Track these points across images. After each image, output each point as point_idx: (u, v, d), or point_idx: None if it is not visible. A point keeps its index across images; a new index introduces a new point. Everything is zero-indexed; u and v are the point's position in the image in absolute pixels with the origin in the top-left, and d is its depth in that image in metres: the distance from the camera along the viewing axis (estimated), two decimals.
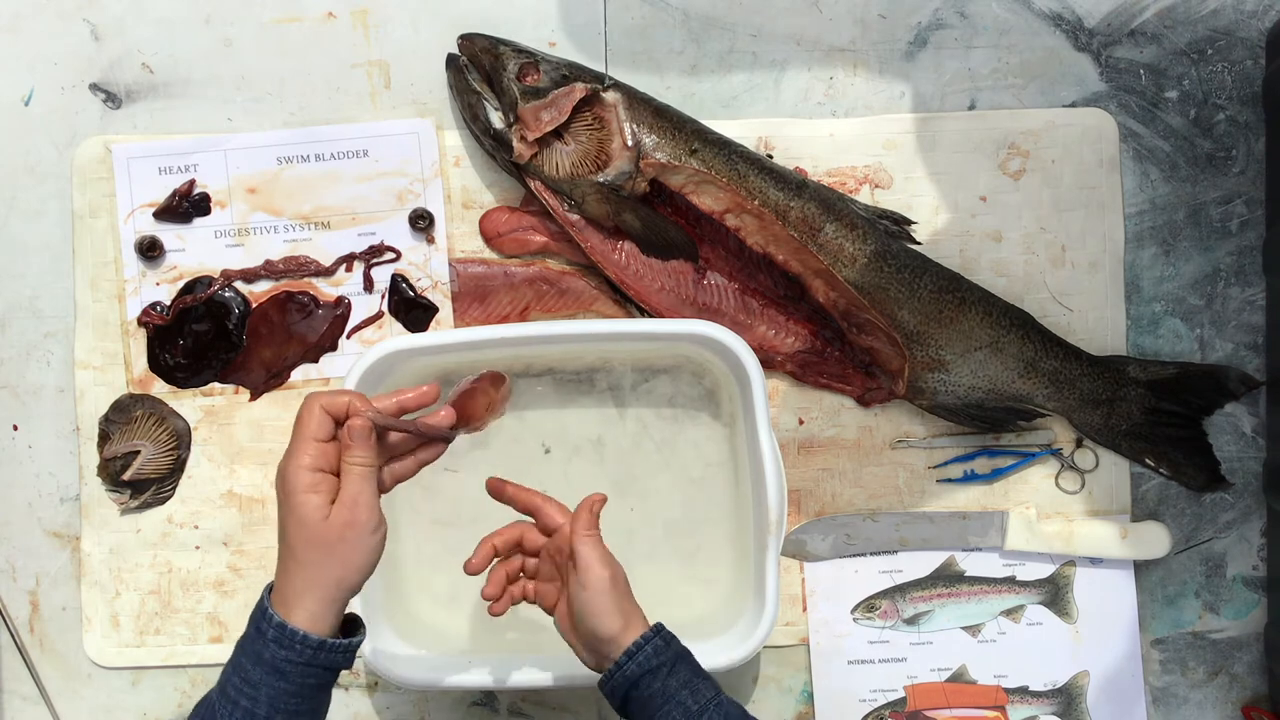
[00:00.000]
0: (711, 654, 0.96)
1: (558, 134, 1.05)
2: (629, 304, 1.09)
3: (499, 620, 1.07)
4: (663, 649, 0.86)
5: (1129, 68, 1.10)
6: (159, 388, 1.10)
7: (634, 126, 1.05)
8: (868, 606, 1.10)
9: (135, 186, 1.09)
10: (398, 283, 1.10)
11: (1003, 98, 1.11)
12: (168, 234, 1.10)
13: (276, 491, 0.79)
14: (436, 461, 0.85)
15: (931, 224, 1.10)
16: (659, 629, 0.88)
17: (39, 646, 1.11)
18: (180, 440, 1.10)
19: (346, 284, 1.10)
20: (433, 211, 1.09)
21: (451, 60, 1.08)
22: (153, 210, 1.09)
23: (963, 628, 1.10)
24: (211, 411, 1.10)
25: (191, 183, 1.09)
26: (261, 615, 0.77)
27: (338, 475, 0.78)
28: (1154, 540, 1.08)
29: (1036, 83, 1.10)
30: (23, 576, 1.11)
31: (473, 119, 1.07)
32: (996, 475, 1.10)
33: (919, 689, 1.10)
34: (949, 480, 1.10)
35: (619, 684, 0.86)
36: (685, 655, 0.88)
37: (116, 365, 1.10)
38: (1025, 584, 1.10)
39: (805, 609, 1.10)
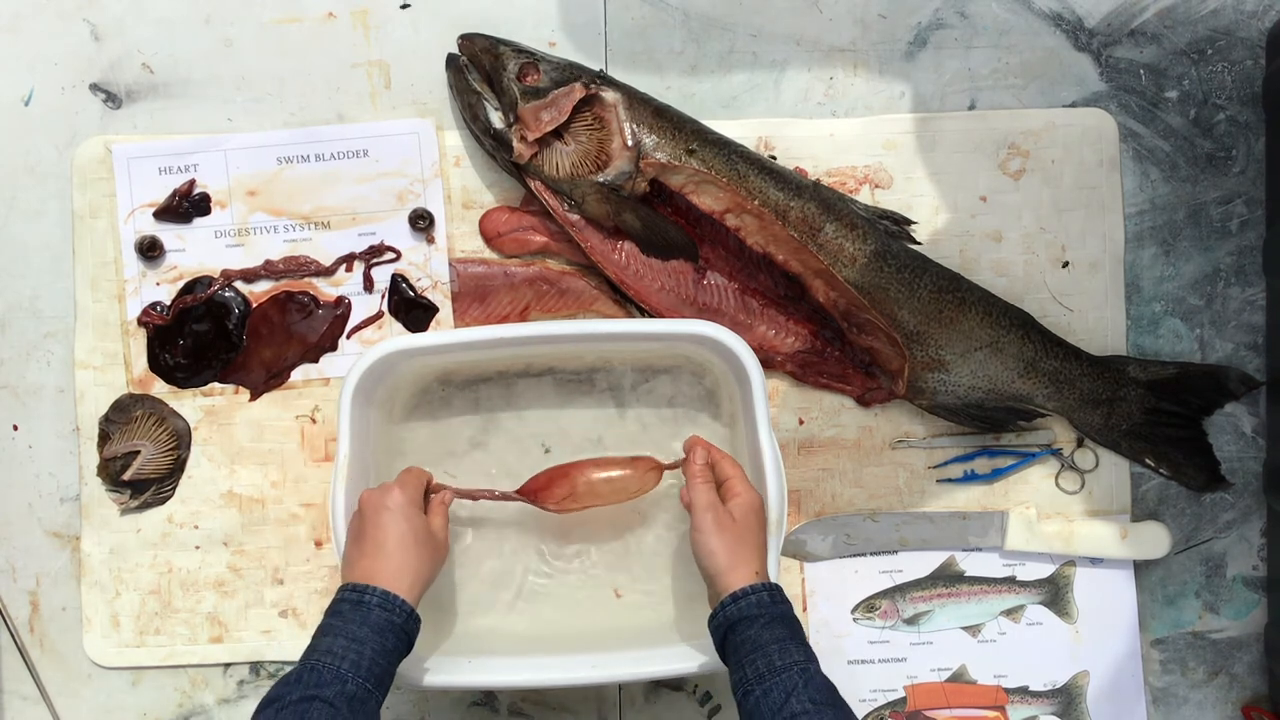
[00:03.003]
0: (712, 654, 0.96)
1: (558, 134, 1.05)
2: (629, 304, 1.09)
3: (499, 620, 1.07)
4: (767, 604, 0.89)
5: (1129, 68, 1.10)
6: (159, 388, 1.10)
7: (634, 126, 1.05)
8: (868, 606, 1.10)
9: (135, 186, 1.09)
10: (398, 283, 1.10)
11: (1003, 98, 1.11)
12: (168, 234, 1.10)
13: (382, 504, 0.94)
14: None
15: (931, 224, 1.10)
16: (771, 586, 0.90)
17: (39, 646, 1.11)
18: (180, 440, 1.10)
19: (346, 284, 1.10)
20: (433, 211, 1.09)
21: (451, 60, 1.08)
22: (153, 210, 1.09)
23: (963, 628, 1.10)
24: (211, 411, 1.10)
25: (191, 183, 1.09)
26: (362, 590, 0.90)
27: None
28: (1154, 540, 1.08)
29: (1036, 83, 1.10)
30: (23, 576, 1.11)
31: (473, 119, 1.07)
32: (996, 475, 1.10)
33: (919, 689, 1.10)
34: (949, 480, 1.10)
35: (720, 623, 0.90)
36: (788, 619, 0.89)
37: (116, 365, 1.10)
38: (1025, 584, 1.10)
39: (805, 609, 1.10)
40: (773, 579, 0.97)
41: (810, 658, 0.88)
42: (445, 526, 0.99)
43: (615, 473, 1.02)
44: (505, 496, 1.04)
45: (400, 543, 0.93)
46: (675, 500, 1.07)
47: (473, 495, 1.03)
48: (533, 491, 1.03)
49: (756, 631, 0.88)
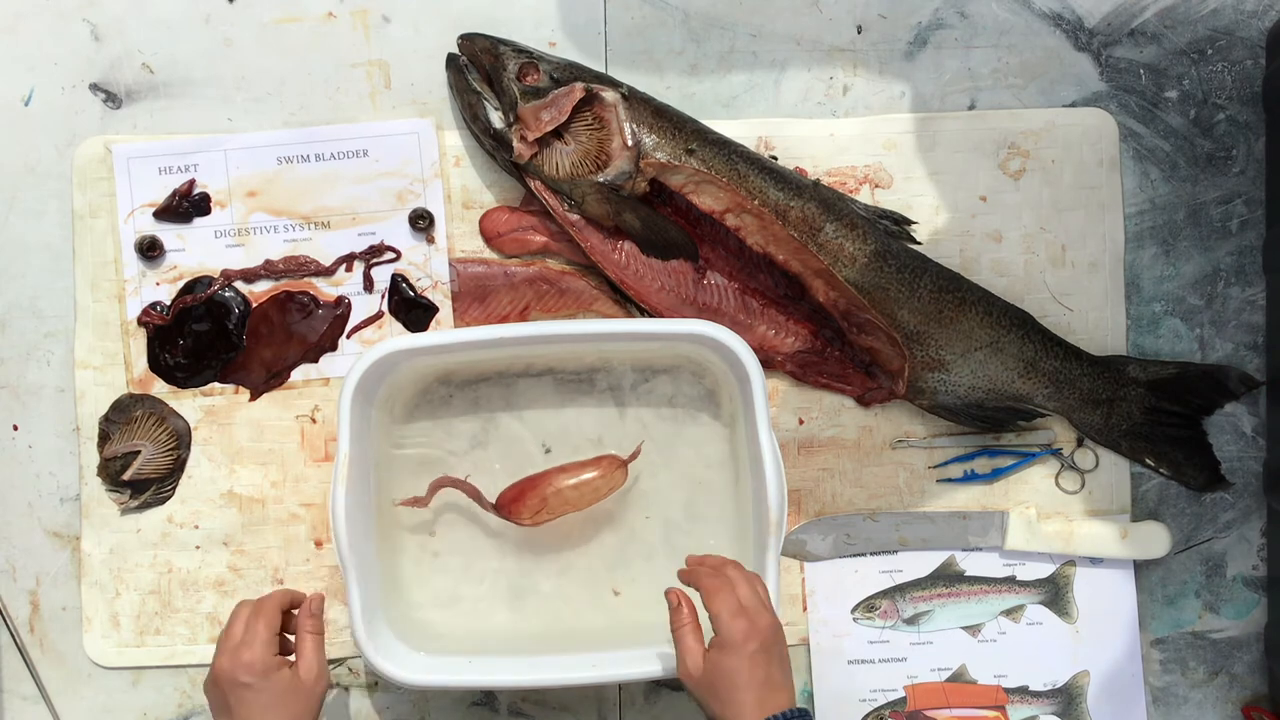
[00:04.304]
0: None
1: (558, 134, 1.05)
2: (629, 304, 1.09)
3: (499, 620, 1.07)
4: None
5: (1129, 68, 1.10)
6: (159, 388, 1.10)
7: (634, 126, 1.05)
8: (868, 606, 1.10)
9: (135, 186, 1.09)
10: (398, 283, 1.10)
11: (1003, 98, 1.11)
12: (168, 234, 1.10)
13: (235, 678, 0.89)
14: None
15: (931, 224, 1.10)
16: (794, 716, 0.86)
17: (39, 646, 1.11)
18: (180, 440, 1.10)
19: (346, 284, 1.10)
20: (433, 211, 1.09)
21: (451, 60, 1.08)
22: (153, 210, 1.09)
23: (963, 627, 1.10)
24: (211, 411, 1.10)
25: (191, 183, 1.09)
26: None
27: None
28: (1154, 540, 1.08)
29: (1036, 83, 1.10)
30: (23, 576, 1.11)
31: (473, 119, 1.07)
32: (996, 475, 1.10)
33: (919, 689, 1.10)
34: (949, 480, 1.10)
35: None
36: None
37: (116, 365, 1.10)
38: (1025, 584, 1.10)
39: (805, 609, 1.10)
40: (771, 589, 0.96)
41: None
42: (317, 652, 0.93)
43: (583, 476, 1.03)
44: (485, 504, 1.04)
45: (290, 707, 0.89)
46: (675, 501, 1.07)
47: (460, 485, 1.04)
48: (505, 506, 1.03)
49: None
